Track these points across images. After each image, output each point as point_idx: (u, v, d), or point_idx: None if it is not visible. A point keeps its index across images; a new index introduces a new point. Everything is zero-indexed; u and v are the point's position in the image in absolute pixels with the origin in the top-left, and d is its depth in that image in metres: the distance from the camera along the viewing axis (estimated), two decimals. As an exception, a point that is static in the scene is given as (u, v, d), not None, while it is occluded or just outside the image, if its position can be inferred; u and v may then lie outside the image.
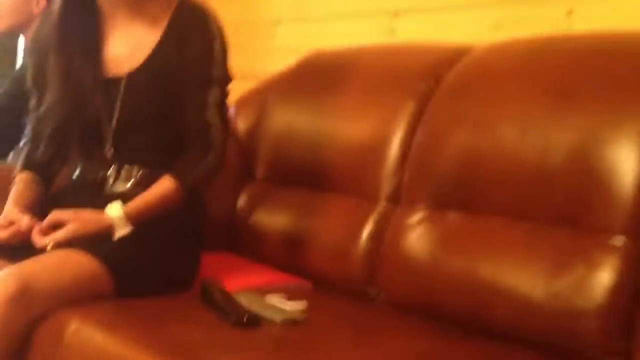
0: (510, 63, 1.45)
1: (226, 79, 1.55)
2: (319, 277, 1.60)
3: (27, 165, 1.60)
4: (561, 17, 1.63)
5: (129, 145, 1.54)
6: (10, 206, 1.48)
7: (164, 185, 1.48)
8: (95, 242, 1.38)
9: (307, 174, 1.74)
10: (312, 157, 1.73)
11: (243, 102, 2.03)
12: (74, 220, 1.39)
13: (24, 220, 1.42)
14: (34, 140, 1.60)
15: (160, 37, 1.53)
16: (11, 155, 2.48)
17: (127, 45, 1.54)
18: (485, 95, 1.43)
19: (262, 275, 1.62)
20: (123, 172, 1.53)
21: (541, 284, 1.20)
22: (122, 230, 1.41)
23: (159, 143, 1.55)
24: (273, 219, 1.78)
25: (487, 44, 1.57)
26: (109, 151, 1.54)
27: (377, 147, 1.58)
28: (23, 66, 2.50)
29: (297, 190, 1.76)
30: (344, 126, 1.68)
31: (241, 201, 1.89)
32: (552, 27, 1.64)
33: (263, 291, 1.39)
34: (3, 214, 1.46)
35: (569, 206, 1.22)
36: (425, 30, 1.97)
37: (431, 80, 1.56)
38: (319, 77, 1.83)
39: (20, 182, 1.56)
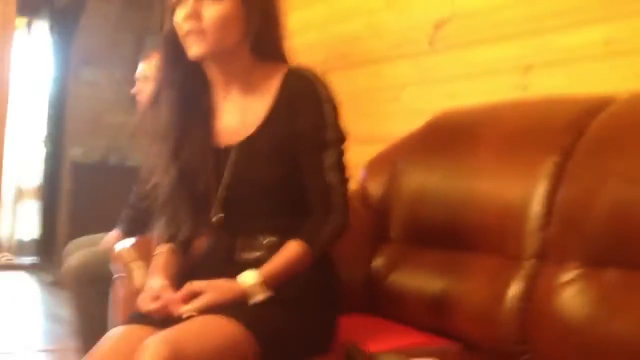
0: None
1: (340, 140, 1.55)
2: (464, 339, 1.55)
3: (164, 238, 1.64)
4: None
5: (249, 213, 1.55)
6: (155, 279, 1.53)
7: (293, 249, 1.48)
8: (237, 307, 1.39)
9: (444, 234, 1.71)
10: (449, 216, 1.70)
11: (373, 165, 2.04)
12: (210, 289, 1.41)
13: (169, 293, 1.45)
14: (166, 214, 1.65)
15: (271, 106, 1.55)
16: (153, 226, 2.60)
17: (238, 115, 1.58)
18: (636, 147, 1.36)
19: (405, 337, 1.58)
20: (252, 241, 1.55)
21: None
22: (258, 297, 1.42)
23: (281, 210, 1.55)
24: (411, 280, 1.75)
25: (632, 93, 1.50)
26: (223, 221, 1.56)
27: (518, 204, 1.54)
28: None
29: (435, 250, 1.73)
30: (480, 184, 1.65)
31: (377, 263, 1.87)
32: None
33: (408, 353, 1.35)
34: (150, 285, 1.51)
35: None
36: (559, 84, 1.92)
37: (573, 133, 1.51)
38: (451, 136, 1.81)
39: (160, 255, 1.61)
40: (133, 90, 2.71)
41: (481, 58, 2.22)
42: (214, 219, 1.56)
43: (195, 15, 1.47)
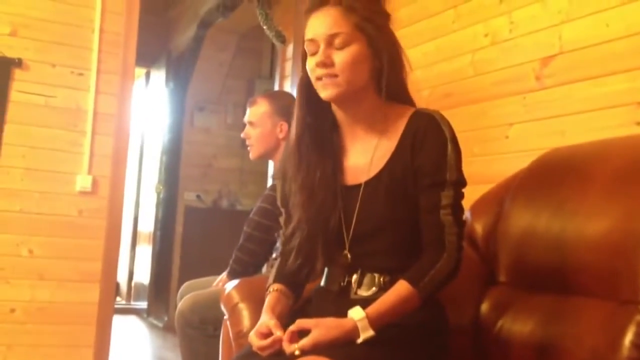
0: None
1: (460, 182, 1.55)
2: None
3: (278, 279, 1.67)
4: None
5: (367, 250, 1.57)
6: (266, 317, 1.55)
7: (400, 289, 1.47)
8: (341, 348, 1.38)
9: (553, 277, 1.63)
10: (557, 258, 1.62)
11: (479, 205, 1.99)
12: (318, 326, 1.41)
13: (279, 330, 1.47)
14: (284, 255, 1.68)
15: (396, 145, 1.58)
16: (265, 267, 2.65)
17: (366, 155, 1.61)
18: None
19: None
20: (366, 279, 1.56)
21: None
22: (364, 334, 1.41)
23: (397, 248, 1.56)
24: (519, 326, 1.67)
25: None
26: (348, 257, 1.58)
27: (632, 245, 1.44)
28: (272, 186, 2.71)
29: (543, 294, 1.66)
30: (590, 224, 1.57)
31: (484, 307, 1.82)
32: None
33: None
34: (260, 323, 1.53)
35: None
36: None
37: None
38: (559, 174, 1.75)
39: (272, 294, 1.64)
40: (242, 135, 2.80)
41: (592, 93, 2.15)
42: (342, 255, 1.59)
43: (328, 61, 1.55)
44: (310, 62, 1.58)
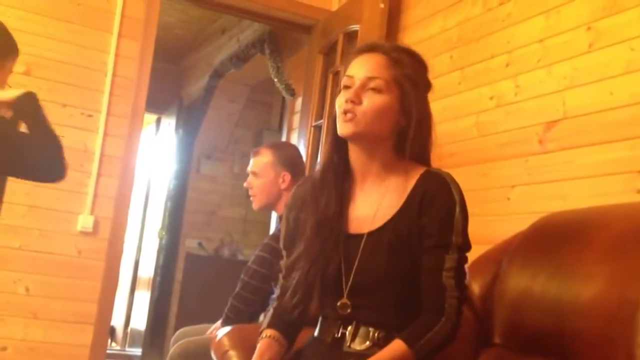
0: None
1: (465, 246, 1.54)
2: None
3: (272, 324, 1.66)
4: None
5: (364, 303, 1.55)
6: None
7: (396, 348, 1.46)
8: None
9: (548, 341, 1.61)
10: (552, 322, 1.61)
11: (477, 265, 1.98)
12: None
13: None
14: (280, 299, 1.67)
15: (403, 202, 1.57)
16: (262, 316, 2.63)
17: (372, 207, 1.61)
18: None
19: None
20: (360, 332, 1.54)
21: None
22: None
23: (395, 305, 1.55)
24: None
25: None
26: (344, 308, 1.56)
27: (628, 312, 1.43)
28: (273, 236, 2.71)
29: (538, 358, 1.63)
30: (586, 289, 1.56)
31: (478, 369, 1.79)
32: None
33: None
34: None
35: None
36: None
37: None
38: (557, 238, 1.74)
39: (264, 341, 1.63)
40: (245, 184, 2.81)
41: (593, 160, 2.16)
42: (339, 304, 1.57)
43: (357, 100, 1.57)
44: (341, 97, 1.60)
